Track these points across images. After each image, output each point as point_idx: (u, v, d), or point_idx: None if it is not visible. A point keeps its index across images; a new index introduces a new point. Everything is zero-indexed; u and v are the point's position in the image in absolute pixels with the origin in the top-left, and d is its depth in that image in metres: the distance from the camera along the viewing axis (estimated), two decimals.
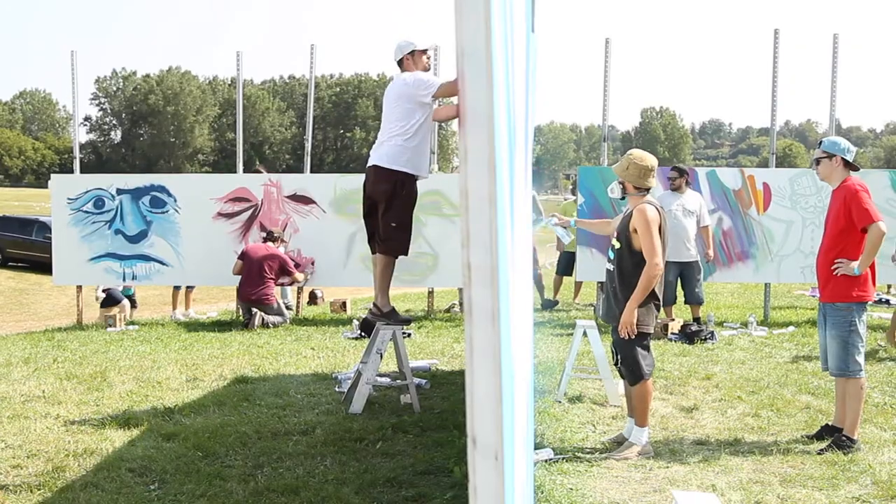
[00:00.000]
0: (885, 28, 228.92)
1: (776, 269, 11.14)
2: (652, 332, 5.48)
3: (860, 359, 5.50)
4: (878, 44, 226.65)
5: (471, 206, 1.39)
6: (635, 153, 5.47)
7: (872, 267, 5.52)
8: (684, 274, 9.99)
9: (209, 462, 5.21)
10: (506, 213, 1.58)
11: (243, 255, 10.97)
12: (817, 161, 5.67)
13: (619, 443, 5.57)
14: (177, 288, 12.41)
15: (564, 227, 6.30)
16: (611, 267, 5.51)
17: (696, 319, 10.06)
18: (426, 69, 6.55)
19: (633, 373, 5.43)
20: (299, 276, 11.18)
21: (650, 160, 5.41)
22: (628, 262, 5.35)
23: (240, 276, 10.97)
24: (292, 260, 11.15)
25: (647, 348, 5.47)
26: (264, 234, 11.23)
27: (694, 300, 10.13)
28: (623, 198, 5.53)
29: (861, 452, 5.40)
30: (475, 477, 1.44)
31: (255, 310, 10.81)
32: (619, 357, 5.52)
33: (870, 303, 5.69)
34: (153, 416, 6.33)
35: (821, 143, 5.74)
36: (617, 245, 5.44)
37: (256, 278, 10.77)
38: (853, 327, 5.46)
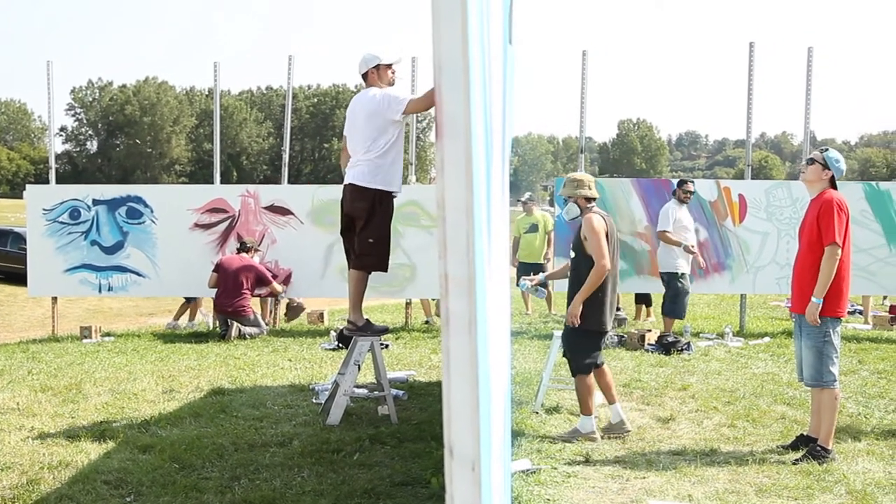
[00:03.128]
0: (858, 41, 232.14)
1: (752, 280, 11.23)
2: (604, 331, 6.02)
3: (834, 369, 5.54)
4: (851, 57, 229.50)
5: (447, 217, 1.40)
6: (569, 174, 6.41)
7: (846, 281, 5.56)
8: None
9: (185, 474, 5.17)
10: (482, 223, 1.59)
11: (218, 268, 10.90)
12: (811, 161, 5.70)
13: (609, 429, 6.16)
14: (189, 300, 12.27)
15: (538, 287, 6.73)
16: (570, 275, 6.16)
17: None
18: (391, 84, 6.52)
19: (576, 364, 6.05)
20: (277, 286, 11.14)
21: (580, 174, 6.31)
22: (584, 268, 5.94)
23: (215, 289, 10.91)
24: (269, 271, 11.11)
25: (594, 346, 6.02)
26: (238, 245, 11.18)
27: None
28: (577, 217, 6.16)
29: (836, 462, 5.44)
30: (452, 487, 1.45)
31: (231, 321, 10.76)
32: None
33: (843, 319, 5.74)
34: (129, 427, 6.28)
35: (825, 149, 5.77)
36: (573, 255, 6.09)
37: (232, 290, 10.72)
38: (827, 338, 5.49)
